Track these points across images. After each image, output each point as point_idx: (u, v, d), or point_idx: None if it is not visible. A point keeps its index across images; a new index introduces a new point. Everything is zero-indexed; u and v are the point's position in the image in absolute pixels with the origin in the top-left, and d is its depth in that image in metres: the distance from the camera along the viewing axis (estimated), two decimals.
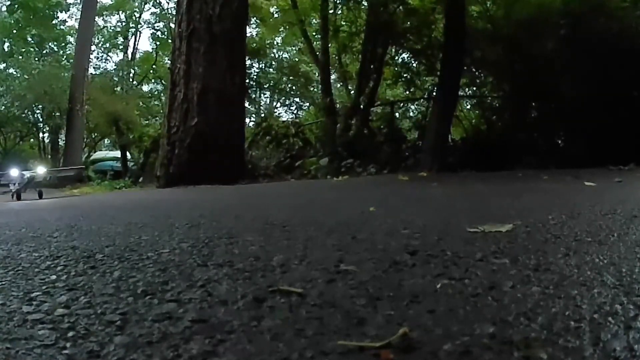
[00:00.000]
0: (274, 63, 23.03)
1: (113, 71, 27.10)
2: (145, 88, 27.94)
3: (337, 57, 14.82)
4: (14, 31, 21.93)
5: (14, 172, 9.52)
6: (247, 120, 17.75)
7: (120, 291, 1.28)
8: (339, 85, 17.16)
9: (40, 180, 10.10)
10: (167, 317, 1.05)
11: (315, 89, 20.19)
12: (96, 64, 26.22)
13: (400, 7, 12.14)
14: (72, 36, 23.14)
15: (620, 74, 8.25)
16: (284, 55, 24.26)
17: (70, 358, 0.86)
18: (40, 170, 10.05)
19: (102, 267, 1.60)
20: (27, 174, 9.52)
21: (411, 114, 15.52)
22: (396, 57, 13.98)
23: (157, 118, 23.97)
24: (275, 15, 18.69)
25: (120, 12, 27.22)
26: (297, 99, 23.82)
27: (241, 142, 10.80)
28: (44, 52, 23.36)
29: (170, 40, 20.77)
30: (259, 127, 14.28)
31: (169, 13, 25.68)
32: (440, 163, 9.12)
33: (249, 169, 10.59)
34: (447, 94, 9.95)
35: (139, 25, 28.07)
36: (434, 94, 11.63)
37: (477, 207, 3.16)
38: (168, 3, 26.69)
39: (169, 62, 13.16)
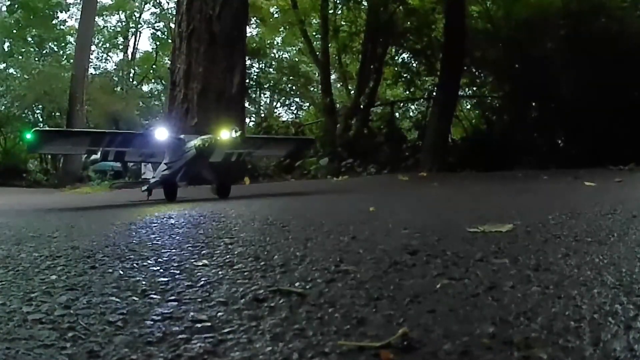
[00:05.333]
0: (274, 63, 23.04)
1: (113, 71, 27.11)
2: (145, 88, 27.95)
3: (337, 57, 14.83)
4: (14, 31, 21.91)
5: (160, 134, 4.82)
6: (247, 120, 17.76)
7: (120, 291, 1.28)
8: (339, 85, 17.17)
9: (223, 160, 5.49)
10: (167, 317, 1.05)
11: (315, 89, 20.19)
12: (96, 64, 26.22)
13: (400, 7, 12.15)
14: (72, 36, 23.10)
15: (620, 74, 8.25)
16: (284, 55, 24.27)
17: (70, 358, 0.86)
18: (225, 135, 4.91)
19: (102, 267, 1.59)
20: (196, 141, 4.82)
21: (411, 114, 15.56)
22: (396, 57, 14.00)
23: (157, 118, 23.95)
24: (275, 15, 18.70)
25: (120, 12, 27.22)
26: (297, 99, 23.83)
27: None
28: (44, 52, 23.34)
29: (170, 40, 20.78)
30: (259, 127, 14.27)
31: (169, 13, 25.68)
32: (440, 163, 9.13)
33: (249, 169, 10.59)
34: (447, 94, 9.96)
35: (139, 25, 28.09)
36: (434, 94, 11.64)
37: (477, 207, 3.16)
38: (168, 3, 26.69)
39: (169, 62, 13.17)
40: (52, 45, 24.01)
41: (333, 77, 15.98)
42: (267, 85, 23.24)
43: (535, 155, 9.35)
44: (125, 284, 1.35)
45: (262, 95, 25.27)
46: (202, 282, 1.35)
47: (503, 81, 11.22)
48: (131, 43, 28.32)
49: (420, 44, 12.42)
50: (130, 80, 27.09)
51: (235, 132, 5.07)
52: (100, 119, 19.33)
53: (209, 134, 5.00)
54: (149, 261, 1.67)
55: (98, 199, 6.09)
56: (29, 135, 4.91)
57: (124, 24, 27.83)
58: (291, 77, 21.82)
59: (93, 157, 5.07)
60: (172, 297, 1.21)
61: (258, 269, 1.50)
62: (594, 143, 8.36)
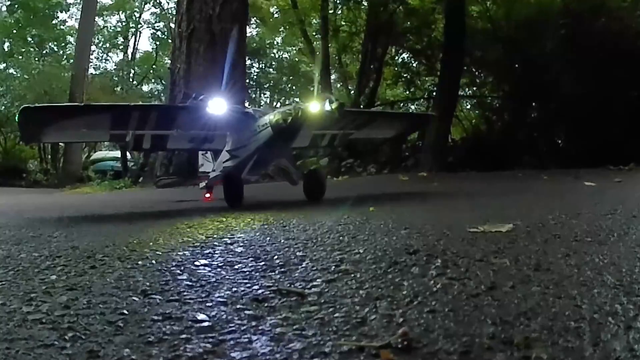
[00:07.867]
0: (274, 63, 23.06)
1: (113, 71, 27.15)
2: (145, 88, 28.01)
3: (337, 57, 14.83)
4: (14, 31, 21.95)
5: (217, 106, 3.42)
6: None
7: (120, 291, 1.28)
8: (339, 85, 17.17)
9: (310, 144, 4.40)
10: (167, 317, 1.05)
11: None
12: (96, 64, 26.29)
13: (400, 7, 12.15)
14: (72, 36, 23.16)
15: (620, 74, 8.25)
16: (284, 55, 24.29)
17: (70, 358, 0.86)
18: (315, 107, 3.36)
19: (102, 267, 1.59)
20: (272, 115, 3.40)
21: None
22: (396, 57, 14.01)
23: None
24: (275, 15, 18.71)
25: (120, 12, 27.26)
26: (297, 99, 23.86)
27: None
28: (44, 52, 23.37)
29: (170, 40, 20.78)
30: None
31: (169, 13, 25.72)
32: (440, 163, 9.13)
33: None
34: (447, 94, 9.96)
35: (139, 25, 28.14)
36: (434, 94, 11.65)
37: (477, 207, 3.16)
38: (168, 3, 26.75)
39: (169, 62, 13.17)
40: (52, 45, 24.04)
41: (333, 77, 15.99)
42: (267, 85, 23.26)
43: (535, 155, 9.36)
44: (125, 284, 1.35)
45: (262, 95, 25.31)
46: (202, 282, 1.35)
47: (503, 81, 11.22)
48: (131, 43, 28.37)
49: (420, 44, 12.43)
50: (130, 80, 27.11)
51: (331, 102, 3.43)
52: None
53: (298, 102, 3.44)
54: (149, 261, 1.67)
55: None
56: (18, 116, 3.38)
57: (124, 24, 27.87)
58: (291, 77, 21.84)
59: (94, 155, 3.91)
60: (172, 297, 1.21)
61: (258, 269, 1.50)
62: (594, 143, 8.36)
